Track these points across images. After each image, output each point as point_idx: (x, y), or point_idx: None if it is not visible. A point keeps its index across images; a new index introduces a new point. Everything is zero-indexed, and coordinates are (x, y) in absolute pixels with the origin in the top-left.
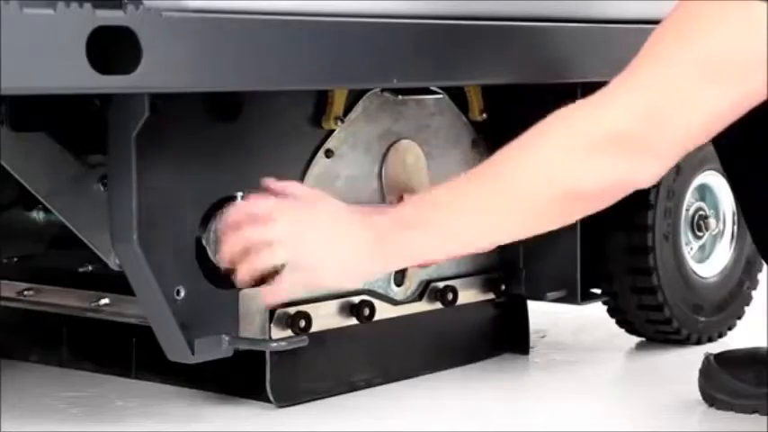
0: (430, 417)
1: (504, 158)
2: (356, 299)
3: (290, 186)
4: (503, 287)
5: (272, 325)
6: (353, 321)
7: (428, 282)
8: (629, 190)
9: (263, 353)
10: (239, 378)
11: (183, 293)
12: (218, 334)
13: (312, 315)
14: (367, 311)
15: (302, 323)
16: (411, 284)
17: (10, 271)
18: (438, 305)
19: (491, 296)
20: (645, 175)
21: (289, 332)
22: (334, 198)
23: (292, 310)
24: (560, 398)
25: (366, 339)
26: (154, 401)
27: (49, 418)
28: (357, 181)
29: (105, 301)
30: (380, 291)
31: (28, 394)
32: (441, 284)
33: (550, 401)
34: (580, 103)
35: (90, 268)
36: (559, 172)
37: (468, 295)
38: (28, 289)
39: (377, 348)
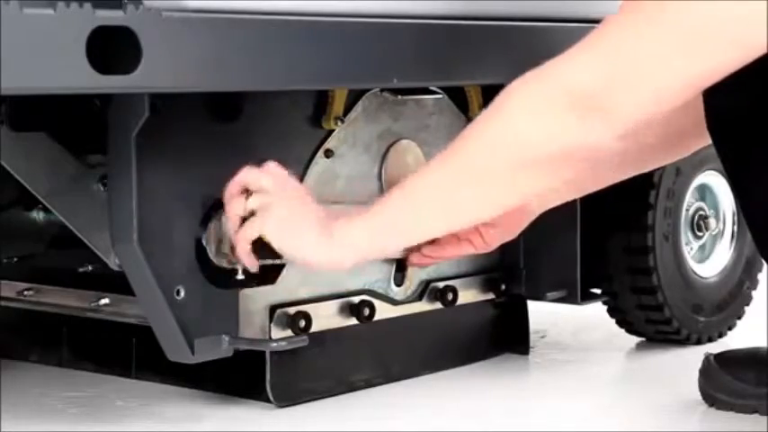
0: (430, 417)
1: (464, 134)
2: (356, 299)
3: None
4: (503, 287)
5: (272, 325)
6: (353, 321)
7: (428, 282)
8: (589, 151)
9: (263, 353)
10: (239, 378)
11: (183, 293)
12: (218, 334)
13: (312, 315)
14: (367, 311)
15: (302, 323)
16: (411, 284)
17: (10, 271)
18: (438, 305)
19: (491, 296)
20: (603, 136)
21: (289, 332)
22: (335, 197)
23: (292, 310)
24: (560, 398)
25: (366, 339)
26: (154, 401)
27: (48, 418)
28: (357, 181)
29: (105, 301)
30: (380, 291)
31: (28, 394)
32: (441, 284)
33: (550, 401)
34: (541, 66)
35: (90, 268)
36: (517, 135)
37: (468, 295)
38: (28, 289)
39: (377, 348)
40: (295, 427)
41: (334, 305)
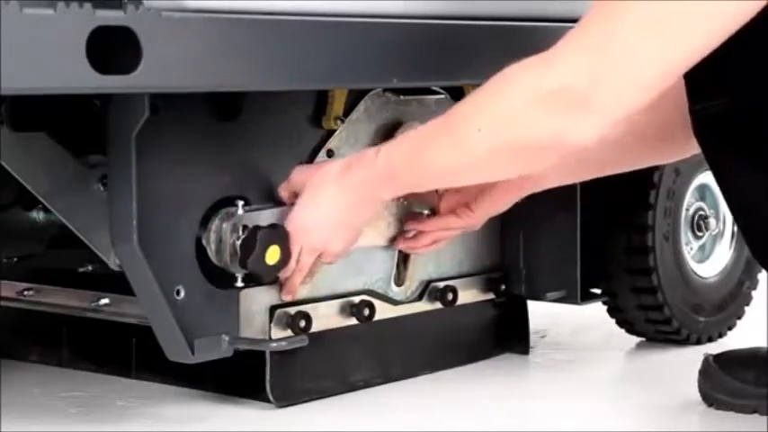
0: (430, 416)
1: (457, 110)
2: (356, 299)
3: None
4: (503, 287)
5: (272, 325)
6: (353, 321)
7: (428, 282)
8: (570, 146)
9: (263, 353)
10: (239, 378)
11: (183, 293)
12: (218, 334)
13: (312, 315)
14: (367, 312)
15: (302, 323)
16: (411, 285)
17: (10, 271)
18: (438, 305)
19: (491, 296)
20: (585, 131)
21: (289, 332)
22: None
23: (292, 310)
24: (560, 398)
25: (366, 339)
26: (154, 401)
27: (48, 418)
28: None
29: (105, 301)
30: (380, 291)
31: (28, 394)
32: (441, 284)
33: (550, 401)
34: (532, 59)
35: (90, 268)
36: (501, 124)
37: (467, 295)
38: (28, 289)
39: (377, 348)
40: (295, 427)
41: (334, 305)
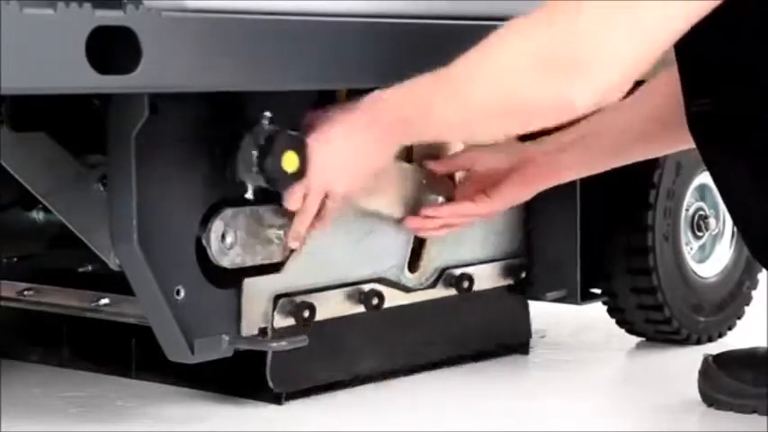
0: (429, 416)
1: (459, 62)
2: (366, 287)
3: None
4: (523, 274)
5: (275, 314)
6: (361, 309)
7: (444, 269)
8: (566, 110)
9: (265, 354)
10: (239, 378)
11: (183, 293)
12: (218, 334)
13: (317, 305)
14: (376, 300)
15: (306, 313)
16: (426, 271)
17: (10, 271)
18: (452, 291)
19: (509, 282)
20: (582, 94)
21: (291, 321)
22: None
23: (297, 299)
24: (560, 398)
25: (375, 327)
26: (154, 401)
27: (48, 418)
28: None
29: (105, 301)
30: (393, 278)
31: (28, 394)
32: (457, 271)
33: (550, 401)
34: (528, 18)
35: (90, 268)
36: (497, 84)
37: (485, 282)
38: (28, 289)
39: (385, 336)
40: (295, 427)
41: (341, 293)
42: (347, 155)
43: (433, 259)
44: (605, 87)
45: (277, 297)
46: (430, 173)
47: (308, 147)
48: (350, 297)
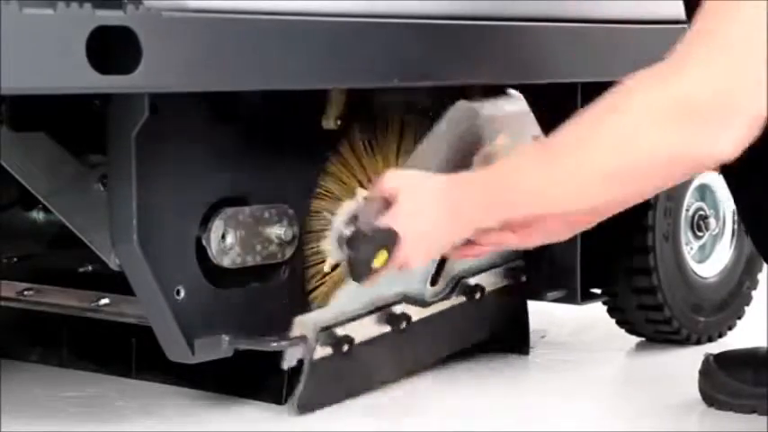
0: (429, 416)
1: (570, 131)
2: (397, 309)
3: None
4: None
5: (317, 345)
6: (387, 329)
7: (459, 278)
8: (705, 162)
9: (266, 354)
10: (239, 378)
11: (183, 293)
12: (218, 334)
13: (355, 336)
14: (404, 324)
15: (345, 347)
16: (443, 283)
17: (10, 271)
18: (464, 299)
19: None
20: (723, 144)
21: (330, 350)
22: None
23: (339, 331)
24: (560, 398)
25: (395, 344)
26: (154, 401)
27: (48, 417)
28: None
29: (105, 301)
30: (416, 294)
31: (28, 394)
32: (471, 281)
33: (550, 401)
34: (650, 69)
35: (90, 268)
36: (624, 145)
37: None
38: (28, 289)
39: (402, 350)
40: (296, 427)
41: (374, 318)
42: (432, 232)
43: (449, 270)
44: (748, 132)
45: (320, 330)
46: None
47: (399, 242)
48: (380, 319)
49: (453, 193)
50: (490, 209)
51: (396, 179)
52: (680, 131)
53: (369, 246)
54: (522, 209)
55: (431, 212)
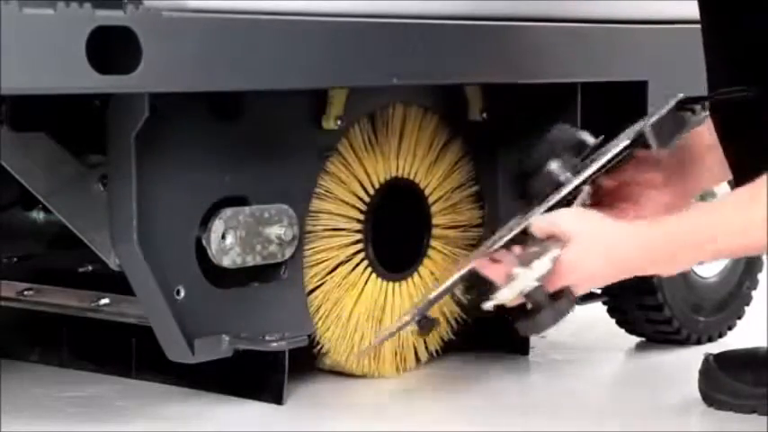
0: (429, 417)
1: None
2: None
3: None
4: None
5: None
6: None
7: None
8: None
9: (263, 353)
10: (239, 378)
11: (183, 293)
12: (218, 334)
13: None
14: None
15: None
16: None
17: (10, 271)
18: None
19: None
20: None
21: None
22: None
23: None
24: (560, 398)
25: None
26: (154, 401)
27: (48, 418)
28: None
29: (105, 301)
30: None
31: (28, 394)
32: None
33: (550, 401)
34: None
35: (90, 268)
36: None
37: None
38: (28, 289)
39: None
40: (296, 428)
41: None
42: (592, 279)
43: None
44: None
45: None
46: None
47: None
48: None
49: (622, 246)
50: (660, 261)
51: (567, 220)
52: None
53: (549, 315)
54: (684, 265)
55: (592, 259)
